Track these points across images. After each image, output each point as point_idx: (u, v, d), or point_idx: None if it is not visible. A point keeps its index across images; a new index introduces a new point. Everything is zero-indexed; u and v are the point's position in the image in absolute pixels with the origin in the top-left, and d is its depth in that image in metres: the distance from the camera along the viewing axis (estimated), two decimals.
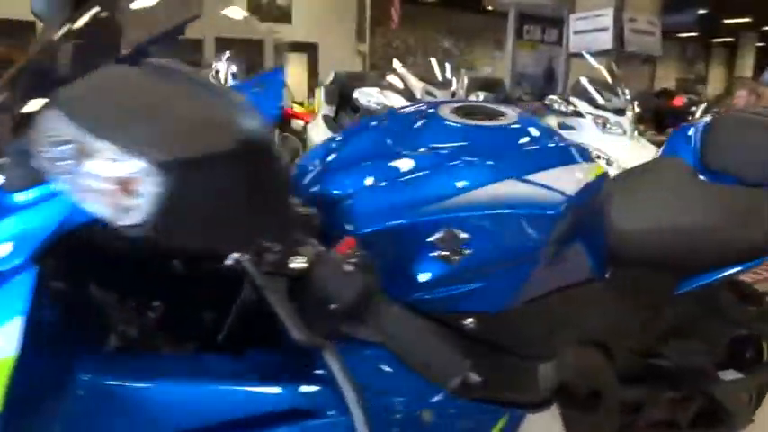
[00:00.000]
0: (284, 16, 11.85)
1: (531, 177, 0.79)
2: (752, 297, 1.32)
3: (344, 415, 0.63)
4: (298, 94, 8.36)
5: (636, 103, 4.92)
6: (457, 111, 0.90)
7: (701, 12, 15.64)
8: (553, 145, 0.89)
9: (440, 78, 4.09)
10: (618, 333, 1.09)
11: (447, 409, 0.74)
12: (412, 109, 0.99)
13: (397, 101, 3.96)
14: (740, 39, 20.92)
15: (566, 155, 0.87)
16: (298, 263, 0.60)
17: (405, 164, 0.80)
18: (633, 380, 1.21)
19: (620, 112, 4.56)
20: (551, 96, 4.77)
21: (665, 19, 15.96)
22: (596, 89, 4.63)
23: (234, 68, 4.07)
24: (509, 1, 7.14)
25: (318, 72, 11.30)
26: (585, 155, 0.90)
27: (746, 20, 17.87)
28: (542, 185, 0.79)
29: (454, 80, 4.13)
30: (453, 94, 4.02)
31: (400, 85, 4.19)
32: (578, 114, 4.57)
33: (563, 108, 4.63)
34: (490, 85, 5.85)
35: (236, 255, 0.59)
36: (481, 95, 4.47)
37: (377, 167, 0.81)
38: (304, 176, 0.86)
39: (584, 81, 4.69)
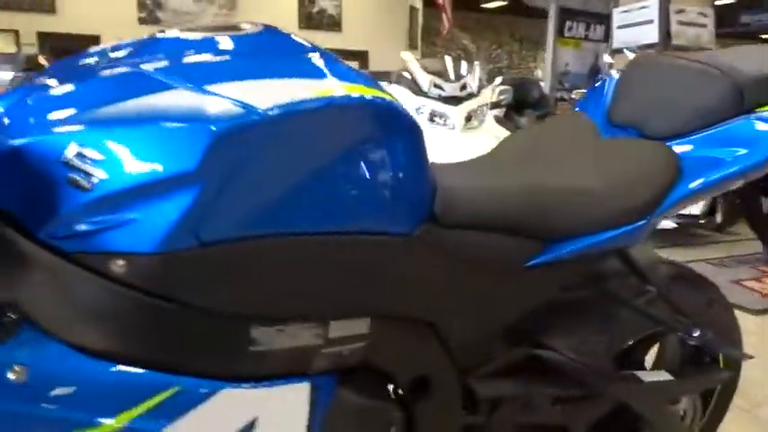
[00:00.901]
0: (335, 25, 11.96)
1: (213, 87, 0.63)
2: (650, 277, 1.07)
3: None
4: None
5: None
6: (191, 30, 0.76)
7: None
8: (275, 56, 0.72)
9: (451, 74, 3.88)
10: (451, 307, 0.88)
11: (55, 370, 0.58)
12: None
13: (402, 94, 3.77)
14: None
15: (291, 68, 0.70)
16: None
17: (70, 80, 0.66)
18: (496, 372, 1.00)
19: None
20: (578, 90, 4.49)
21: (742, 19, 14.89)
22: None
23: None
24: None
25: None
26: (342, 73, 0.72)
27: None
28: (225, 96, 0.62)
29: (468, 75, 3.91)
30: (463, 87, 3.81)
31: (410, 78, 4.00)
32: None
33: None
34: (524, 84, 5.57)
35: None
36: (496, 91, 4.22)
37: (45, 84, 0.67)
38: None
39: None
